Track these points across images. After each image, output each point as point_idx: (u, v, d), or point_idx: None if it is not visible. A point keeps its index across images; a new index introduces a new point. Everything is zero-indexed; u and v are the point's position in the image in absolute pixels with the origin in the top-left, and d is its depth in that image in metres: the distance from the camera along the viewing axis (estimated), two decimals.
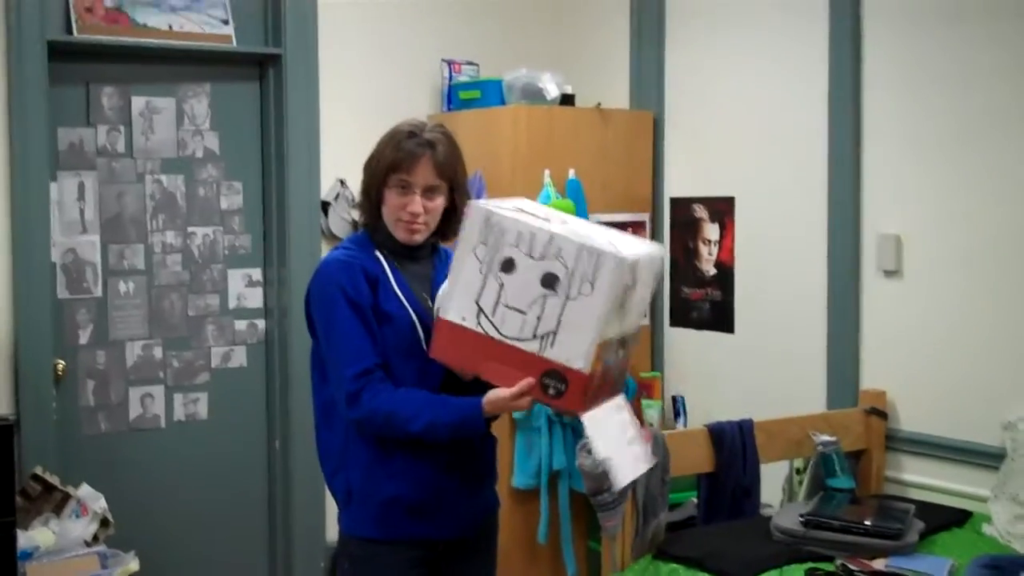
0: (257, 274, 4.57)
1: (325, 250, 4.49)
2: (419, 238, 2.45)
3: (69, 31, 4.11)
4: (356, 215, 4.48)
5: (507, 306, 2.25)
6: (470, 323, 2.27)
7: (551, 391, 2.24)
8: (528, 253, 2.23)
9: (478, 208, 2.28)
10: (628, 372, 2.56)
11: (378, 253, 2.45)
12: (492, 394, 2.29)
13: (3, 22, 3.92)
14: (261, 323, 4.57)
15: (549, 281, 2.22)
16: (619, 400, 2.40)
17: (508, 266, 2.25)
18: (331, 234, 4.51)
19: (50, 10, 4.05)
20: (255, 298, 4.56)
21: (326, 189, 4.52)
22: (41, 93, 3.98)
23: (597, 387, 2.27)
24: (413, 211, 2.40)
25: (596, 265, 2.18)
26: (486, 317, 2.26)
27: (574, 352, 2.21)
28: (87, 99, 4.24)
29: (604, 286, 2.18)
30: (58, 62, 4.06)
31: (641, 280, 2.31)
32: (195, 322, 4.45)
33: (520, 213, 2.29)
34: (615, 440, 2.35)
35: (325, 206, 4.51)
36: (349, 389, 2.34)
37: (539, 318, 2.22)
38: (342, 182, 4.54)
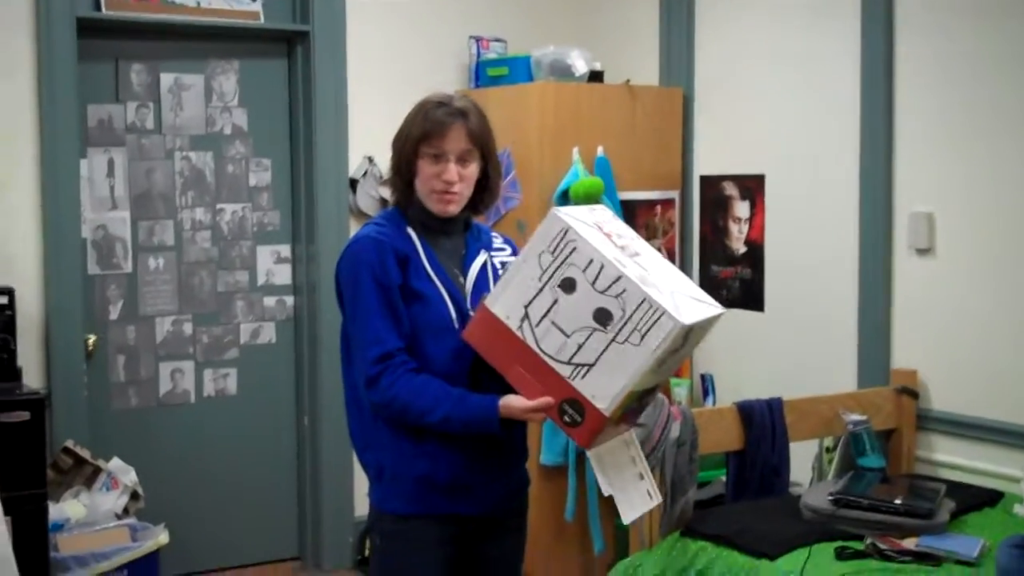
0: (286, 251, 4.57)
1: (353, 227, 4.49)
2: (454, 208, 2.43)
3: (98, 7, 4.11)
4: (384, 192, 4.49)
5: (554, 323, 2.22)
6: (512, 324, 2.25)
7: (566, 418, 2.23)
8: (591, 282, 2.18)
9: (558, 218, 2.23)
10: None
11: (410, 229, 2.43)
12: (510, 400, 2.28)
13: (32, 0, 3.93)
14: (290, 299, 4.58)
15: (602, 317, 2.18)
16: (628, 435, 2.39)
17: (568, 286, 2.21)
18: (359, 211, 4.51)
19: None
20: (284, 274, 4.57)
21: (354, 166, 4.52)
22: (70, 70, 3.99)
23: (608, 430, 2.27)
24: (448, 179, 2.39)
25: (652, 321, 2.13)
26: (530, 325, 2.24)
27: (602, 392, 2.18)
28: (116, 76, 4.25)
29: (653, 343, 2.13)
30: (87, 39, 4.07)
31: (689, 343, 2.28)
32: (224, 298, 4.47)
33: (597, 232, 2.25)
34: (622, 476, 2.34)
35: (353, 183, 4.51)
36: (369, 372, 2.33)
37: (580, 347, 2.19)
38: (370, 159, 4.53)
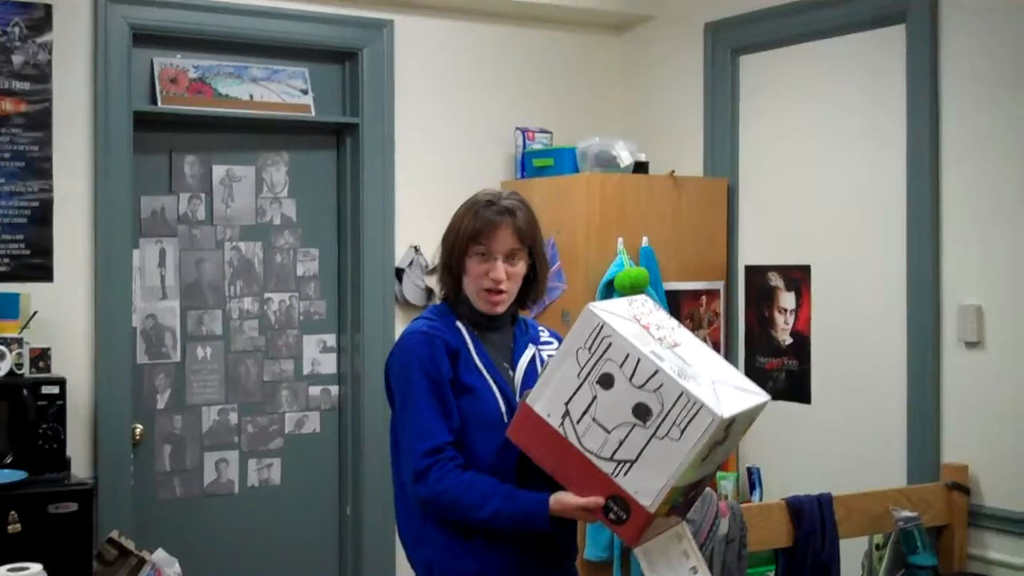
0: (331, 340, 4.61)
1: (399, 316, 4.53)
2: (501, 308, 2.46)
3: (154, 101, 4.22)
4: (430, 282, 4.52)
5: (594, 419, 2.21)
6: (554, 422, 2.25)
7: (612, 515, 2.22)
8: (629, 377, 2.18)
9: (593, 314, 2.25)
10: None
11: (459, 323, 2.46)
12: (561, 497, 2.28)
13: (91, 93, 4.04)
14: (335, 389, 4.60)
15: (641, 413, 2.17)
16: (679, 528, 2.36)
17: (606, 382, 2.21)
18: (405, 300, 4.54)
19: (136, 81, 4.17)
20: (329, 364, 4.60)
21: (400, 256, 4.57)
22: (126, 162, 4.09)
23: (657, 524, 2.24)
24: (496, 277, 2.41)
25: (692, 415, 2.12)
26: (571, 422, 2.23)
27: (645, 488, 2.17)
28: (170, 168, 4.34)
29: (693, 438, 2.13)
30: (143, 131, 4.17)
31: (733, 434, 2.27)
32: (270, 387, 4.50)
33: (634, 325, 2.25)
34: (673, 570, 2.31)
35: (399, 272, 4.55)
36: (417, 466, 2.34)
37: (621, 443, 2.19)
38: (416, 249, 4.58)
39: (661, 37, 4.88)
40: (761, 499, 4.19)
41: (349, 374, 4.57)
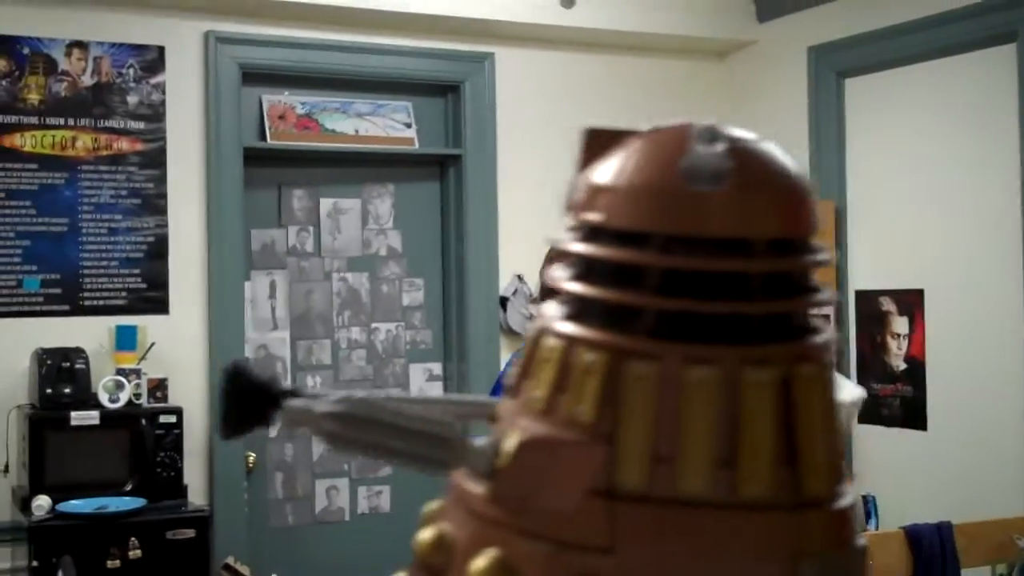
0: (437, 368, 4.64)
1: (504, 345, 4.54)
2: None
3: (263, 138, 4.32)
4: (534, 310, 4.53)
5: None
6: None
7: None
8: None
9: None
10: None
11: None
12: None
13: (203, 131, 4.16)
14: None
15: None
16: None
17: None
18: (509, 329, 4.56)
19: (246, 119, 4.28)
20: (435, 392, 4.63)
21: (504, 284, 4.59)
22: (237, 197, 4.19)
23: None
24: None
25: None
26: None
27: None
28: (279, 201, 4.44)
29: None
30: (252, 167, 4.27)
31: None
32: None
33: None
34: None
35: (504, 301, 4.57)
36: None
37: None
38: (520, 277, 4.59)
39: (764, 62, 4.85)
40: (877, 528, 4.09)
41: None
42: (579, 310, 0.48)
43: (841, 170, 4.50)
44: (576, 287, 0.49)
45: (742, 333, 0.46)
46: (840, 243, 4.49)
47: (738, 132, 0.52)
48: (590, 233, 0.49)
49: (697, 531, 0.46)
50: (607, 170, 0.48)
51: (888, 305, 4.30)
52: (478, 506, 0.49)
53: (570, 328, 0.48)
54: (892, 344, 4.28)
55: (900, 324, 4.25)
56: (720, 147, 0.49)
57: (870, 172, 4.42)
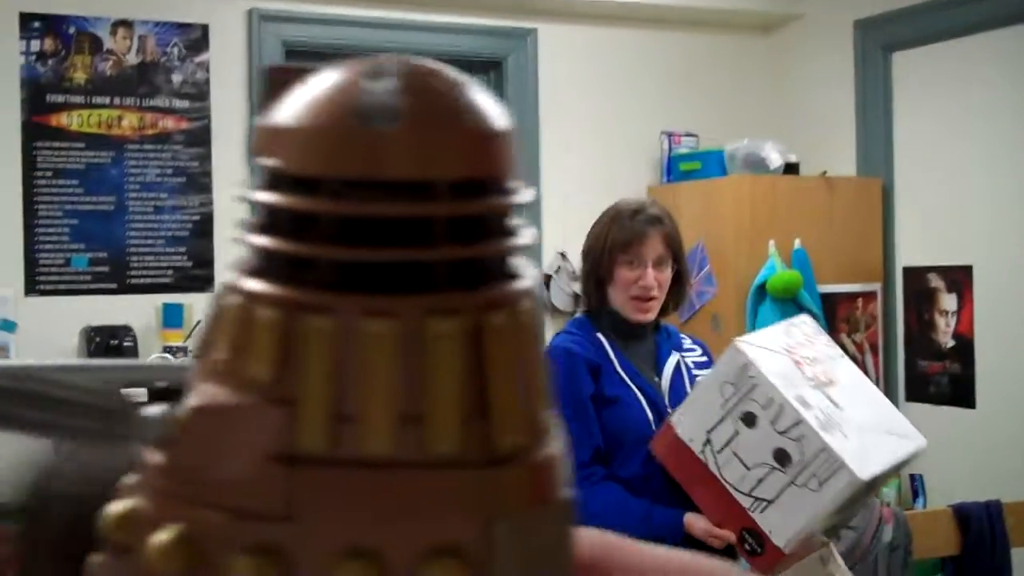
0: None
1: (548, 323, 4.54)
2: (651, 315, 2.46)
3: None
4: (577, 287, 4.52)
5: (735, 453, 2.20)
6: (695, 447, 2.24)
7: (747, 546, 2.21)
8: (771, 421, 2.15)
9: (739, 351, 2.22)
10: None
11: (600, 335, 2.46)
12: (692, 520, 2.28)
13: (247, 109, 4.18)
14: None
15: (781, 458, 2.15)
16: (823, 551, 2.28)
17: (749, 420, 2.19)
18: (552, 307, 4.55)
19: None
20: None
21: (547, 262, 4.58)
22: None
23: (792, 559, 2.22)
24: (646, 284, 2.41)
25: (831, 471, 2.09)
26: (712, 451, 2.22)
27: (780, 531, 2.15)
28: None
29: (831, 493, 2.10)
30: None
31: (880, 481, 2.23)
32: None
33: (785, 362, 2.22)
34: None
35: (547, 279, 4.57)
36: None
37: (760, 481, 2.17)
38: (563, 255, 4.59)
39: (809, 36, 4.80)
40: (925, 506, 4.07)
41: None
42: (261, 265, 0.45)
43: (888, 146, 4.45)
44: (255, 239, 0.47)
45: (428, 282, 0.44)
46: (887, 219, 4.44)
47: (422, 66, 0.48)
48: (271, 180, 0.46)
49: (383, 493, 0.43)
50: (282, 112, 0.45)
51: (936, 282, 4.25)
52: (158, 478, 0.46)
53: (250, 284, 0.46)
54: (940, 321, 4.23)
55: (948, 301, 4.20)
56: (391, 83, 0.45)
57: (917, 147, 4.37)
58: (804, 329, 2.35)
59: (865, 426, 2.16)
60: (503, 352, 0.45)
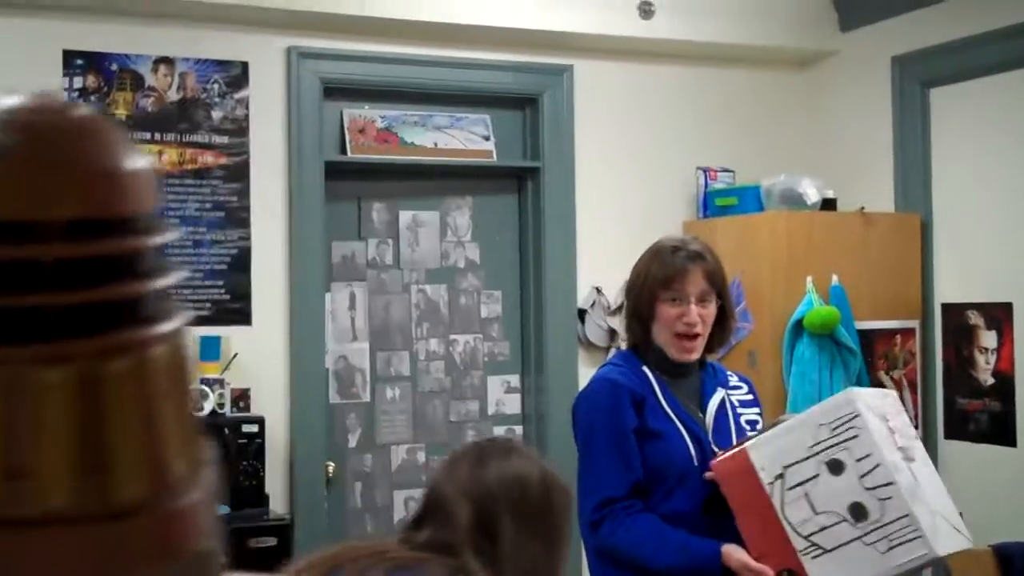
0: (515, 381, 4.64)
1: (582, 357, 4.53)
2: (694, 356, 2.45)
3: (344, 151, 4.37)
4: (612, 323, 4.52)
5: (807, 495, 2.17)
6: (764, 478, 2.22)
7: None
8: (860, 474, 2.14)
9: (851, 400, 2.21)
10: None
11: (646, 369, 2.45)
12: (731, 551, 2.25)
13: (285, 145, 4.22)
14: (519, 429, 4.63)
15: (857, 512, 2.13)
16: None
17: (836, 467, 2.17)
18: (588, 342, 4.55)
19: (327, 133, 4.33)
20: (513, 404, 4.63)
21: (582, 297, 4.58)
22: (318, 210, 4.24)
23: None
24: (690, 320, 2.41)
25: (907, 538, 2.08)
26: (782, 486, 2.20)
27: None
28: (359, 214, 4.48)
29: (899, 559, 2.09)
30: (333, 180, 4.31)
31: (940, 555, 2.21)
32: (456, 427, 4.56)
33: (883, 426, 2.20)
34: None
35: (582, 314, 4.56)
36: (591, 518, 2.36)
37: (823, 528, 2.14)
38: (598, 290, 4.58)
39: (846, 72, 4.78)
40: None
41: (533, 414, 4.59)
42: None
43: (927, 182, 4.42)
44: None
45: (42, 329, 0.41)
46: (926, 255, 4.40)
47: (43, 103, 0.45)
48: None
49: None
50: None
51: (975, 319, 4.21)
52: None
53: None
54: (980, 358, 4.18)
55: (988, 338, 4.15)
56: (2, 121, 0.43)
57: (956, 183, 4.33)
58: (894, 402, 2.34)
59: (937, 512, 2.16)
60: (124, 400, 0.43)
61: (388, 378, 4.48)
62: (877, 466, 2.12)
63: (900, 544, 2.07)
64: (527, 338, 4.62)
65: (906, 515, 2.07)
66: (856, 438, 2.15)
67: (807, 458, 2.18)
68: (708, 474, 2.33)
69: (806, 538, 2.15)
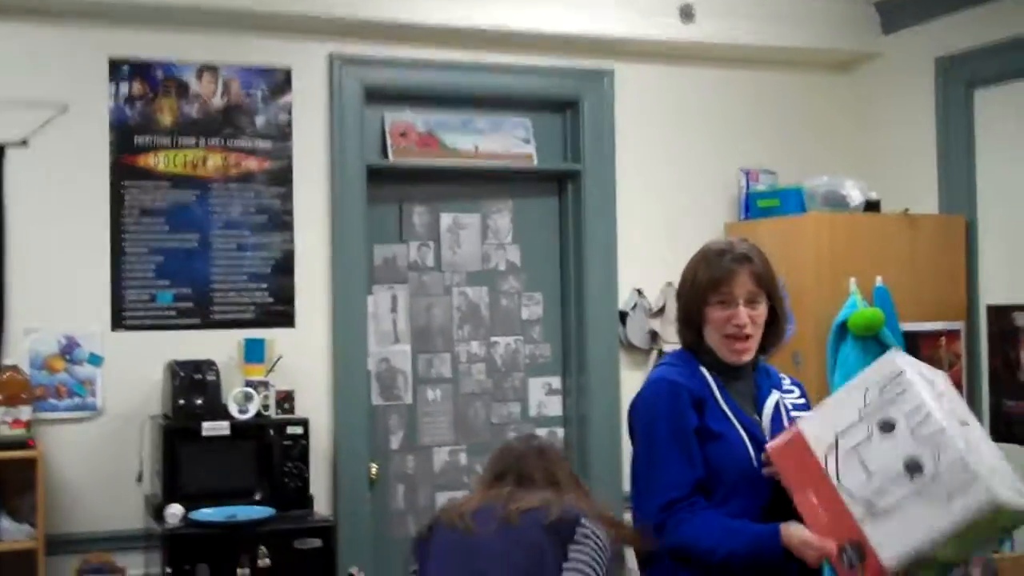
0: (556, 382, 4.65)
1: (624, 360, 4.54)
2: (747, 357, 2.44)
3: (385, 155, 4.40)
4: (654, 325, 4.51)
5: (861, 458, 2.15)
6: (818, 449, 2.20)
7: (845, 560, 2.14)
8: (911, 428, 2.11)
9: (894, 360, 2.21)
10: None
11: (703, 370, 2.45)
12: (794, 528, 2.23)
13: (327, 149, 4.25)
14: (560, 431, 4.63)
15: (912, 467, 2.09)
16: None
17: (886, 426, 2.14)
18: (629, 343, 4.54)
19: (368, 137, 4.35)
20: (554, 406, 4.64)
21: (624, 299, 4.58)
22: (360, 213, 4.27)
23: None
24: (739, 322, 2.40)
25: (964, 485, 2.02)
26: (835, 454, 2.17)
27: (890, 544, 2.08)
28: (400, 217, 4.50)
29: (959, 509, 2.02)
30: (374, 184, 4.34)
31: (997, 528, 2.13)
32: (497, 429, 4.57)
33: (931, 387, 2.19)
34: None
35: (623, 316, 4.56)
36: (655, 520, 2.36)
37: (880, 490, 2.11)
38: (639, 292, 4.58)
39: (890, 73, 4.76)
40: (1012, 550, 3.95)
41: (575, 416, 4.59)
42: None
43: (971, 183, 4.38)
44: None
45: None
46: (971, 257, 4.37)
47: None
48: None
49: None
50: None
51: (1021, 320, 4.16)
52: None
53: None
54: None
55: None
56: None
57: (1001, 185, 4.30)
58: (944, 379, 2.31)
59: (995, 469, 2.11)
60: None
61: (430, 380, 4.50)
62: (927, 416, 2.08)
63: (959, 492, 2.01)
64: (568, 340, 4.63)
65: (959, 459, 2.03)
66: (903, 393, 2.13)
67: (858, 422, 2.16)
68: (767, 469, 2.31)
69: (864, 502, 2.12)
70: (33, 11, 3.91)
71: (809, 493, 2.20)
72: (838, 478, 2.16)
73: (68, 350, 3.95)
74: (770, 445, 2.31)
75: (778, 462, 2.27)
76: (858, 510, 2.12)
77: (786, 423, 2.42)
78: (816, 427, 2.22)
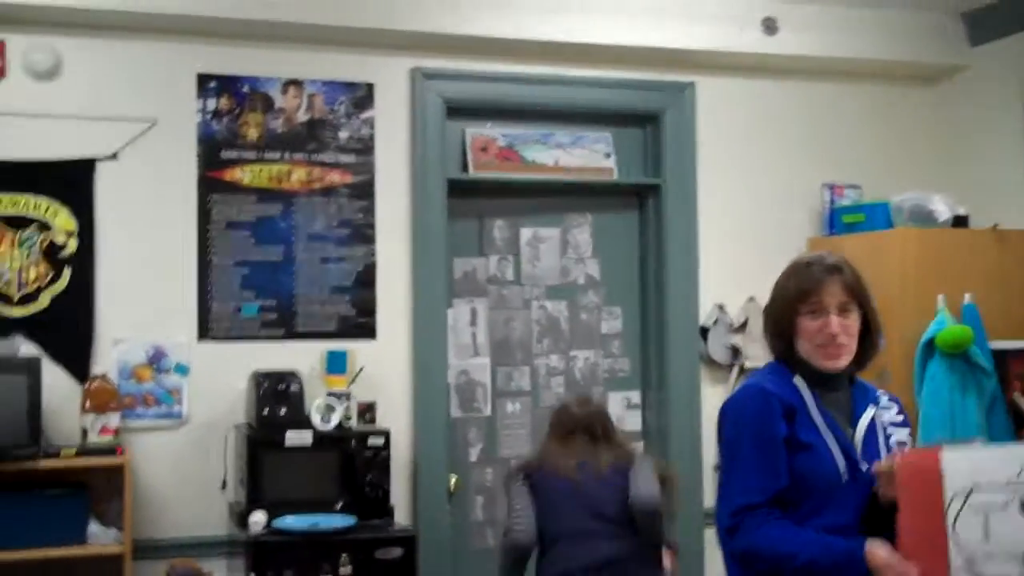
0: (636, 397, 4.62)
1: (704, 374, 4.51)
2: (843, 362, 2.40)
3: (466, 169, 4.42)
4: (735, 340, 4.47)
5: (987, 521, 2.09)
6: (949, 486, 2.12)
7: None
8: None
9: None
10: None
11: (796, 380, 2.42)
12: (879, 548, 2.18)
13: (409, 163, 4.29)
14: (640, 445, 4.61)
15: None
16: None
17: None
18: (710, 359, 4.51)
19: (449, 151, 4.38)
20: (634, 421, 4.61)
21: (705, 314, 4.54)
22: (441, 227, 4.29)
23: None
24: (831, 331, 2.37)
25: None
26: (963, 502, 2.11)
27: None
28: (480, 231, 4.52)
29: None
30: (455, 198, 4.37)
31: None
32: None
33: None
34: None
35: (704, 331, 4.53)
36: (728, 523, 2.33)
37: (989, 556, 2.07)
38: (721, 307, 4.54)
39: (976, 87, 4.67)
40: None
41: (654, 431, 4.56)
42: None
43: None
44: None
45: None
46: None
47: None
48: None
49: None
50: None
51: None
52: None
53: None
54: None
55: None
56: None
57: None
58: None
59: None
60: None
61: (508, 393, 4.51)
62: None
63: None
64: (647, 355, 4.60)
65: None
66: None
67: (1003, 486, 2.09)
68: (881, 464, 2.27)
69: (968, 558, 2.07)
70: (125, 28, 4.01)
71: (917, 517, 2.14)
72: (954, 522, 2.10)
73: (155, 360, 4.03)
74: (903, 453, 2.27)
75: (902, 472, 2.21)
76: (959, 561, 2.07)
77: (881, 440, 2.38)
78: (959, 463, 2.13)
